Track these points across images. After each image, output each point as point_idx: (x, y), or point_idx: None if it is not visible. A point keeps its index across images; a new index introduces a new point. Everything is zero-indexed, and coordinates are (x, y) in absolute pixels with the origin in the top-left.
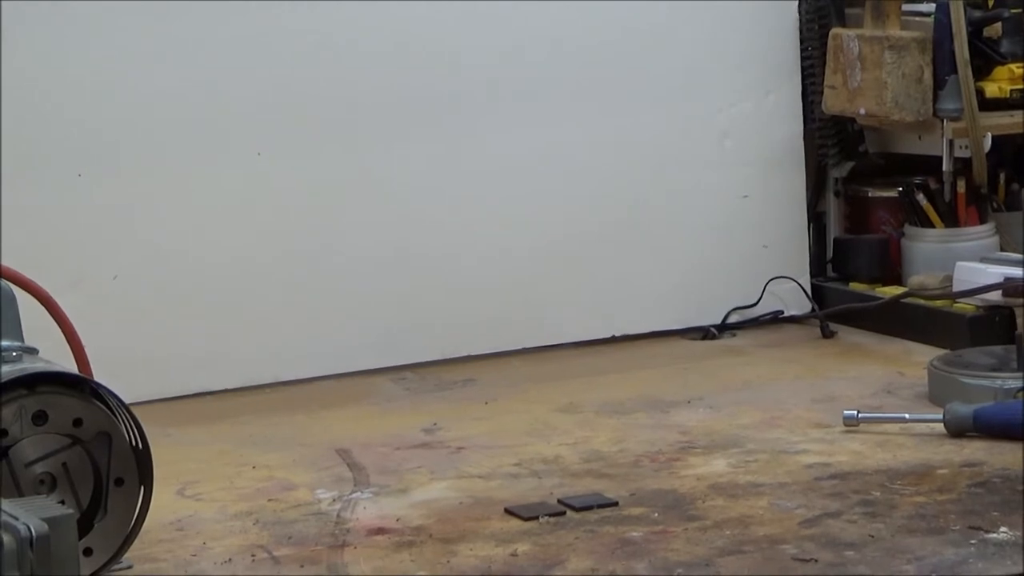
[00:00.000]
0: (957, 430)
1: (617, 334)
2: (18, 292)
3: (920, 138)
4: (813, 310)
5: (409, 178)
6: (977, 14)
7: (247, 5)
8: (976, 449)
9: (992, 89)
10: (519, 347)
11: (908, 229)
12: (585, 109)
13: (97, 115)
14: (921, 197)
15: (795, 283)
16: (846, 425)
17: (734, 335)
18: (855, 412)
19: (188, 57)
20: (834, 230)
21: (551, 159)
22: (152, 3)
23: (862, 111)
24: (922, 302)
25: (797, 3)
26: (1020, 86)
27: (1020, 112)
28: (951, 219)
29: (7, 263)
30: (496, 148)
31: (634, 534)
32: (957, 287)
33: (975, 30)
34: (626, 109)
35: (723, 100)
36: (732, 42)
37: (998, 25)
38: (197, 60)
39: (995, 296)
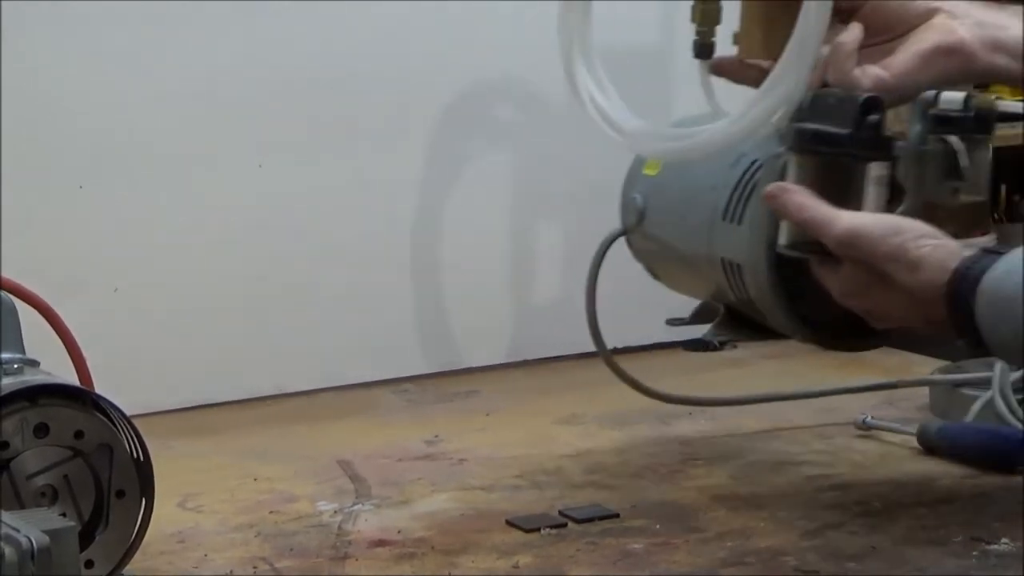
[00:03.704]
0: (927, 447)
1: (618, 346)
2: (19, 304)
3: None
4: None
5: (409, 182)
6: None
7: (251, 10)
8: None
9: None
10: (521, 359)
11: None
12: None
13: (99, 123)
14: None
15: None
16: (856, 428)
17: (735, 347)
18: (866, 416)
19: (193, 65)
20: None
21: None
22: (158, 10)
23: None
24: None
25: None
26: (1020, 98)
27: (1020, 124)
28: None
29: (7, 273)
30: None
31: (635, 546)
32: None
33: None
34: None
35: None
36: None
37: None
38: (201, 68)
39: None
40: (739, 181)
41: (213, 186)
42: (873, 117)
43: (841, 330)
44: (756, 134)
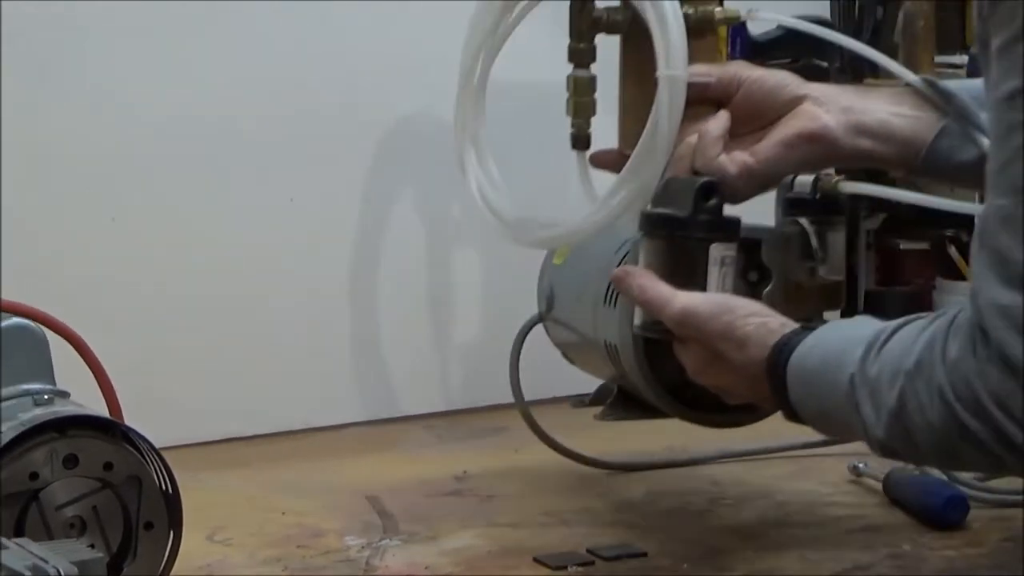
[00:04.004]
0: (891, 498)
1: None
2: (50, 335)
3: (952, 190)
4: None
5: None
6: None
7: (281, 34)
8: None
9: None
10: (549, 395)
11: (940, 282)
12: None
13: (131, 157)
14: (953, 250)
15: None
16: (850, 472)
17: None
18: (861, 463)
19: (226, 98)
20: (865, 282)
21: None
22: (189, 37)
23: None
24: None
25: None
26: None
27: None
28: None
29: (39, 305)
30: None
31: None
32: None
33: None
34: None
35: None
36: None
37: None
38: (234, 101)
39: None
40: (617, 267)
41: (244, 219)
42: (712, 201)
43: (712, 407)
44: (617, 222)
